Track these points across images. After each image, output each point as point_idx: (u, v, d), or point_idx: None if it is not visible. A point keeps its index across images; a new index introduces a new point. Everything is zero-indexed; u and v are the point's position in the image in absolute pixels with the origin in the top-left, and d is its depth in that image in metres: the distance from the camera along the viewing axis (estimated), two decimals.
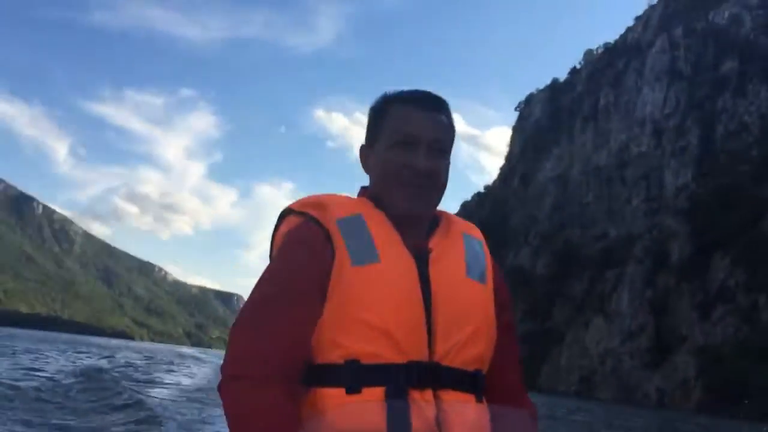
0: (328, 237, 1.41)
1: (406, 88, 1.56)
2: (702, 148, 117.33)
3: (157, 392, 17.60)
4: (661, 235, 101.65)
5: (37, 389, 15.61)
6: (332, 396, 1.33)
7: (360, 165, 1.63)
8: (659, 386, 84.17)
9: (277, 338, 1.31)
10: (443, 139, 1.52)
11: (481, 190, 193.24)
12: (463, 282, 1.47)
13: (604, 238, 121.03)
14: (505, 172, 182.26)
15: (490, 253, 1.61)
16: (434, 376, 1.36)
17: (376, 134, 1.56)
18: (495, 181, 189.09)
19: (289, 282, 1.37)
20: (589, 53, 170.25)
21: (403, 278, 1.40)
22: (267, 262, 1.48)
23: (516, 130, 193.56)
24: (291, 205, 1.53)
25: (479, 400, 1.43)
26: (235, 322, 1.38)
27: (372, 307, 1.35)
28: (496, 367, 1.50)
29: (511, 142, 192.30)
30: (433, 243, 1.50)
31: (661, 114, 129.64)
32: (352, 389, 1.32)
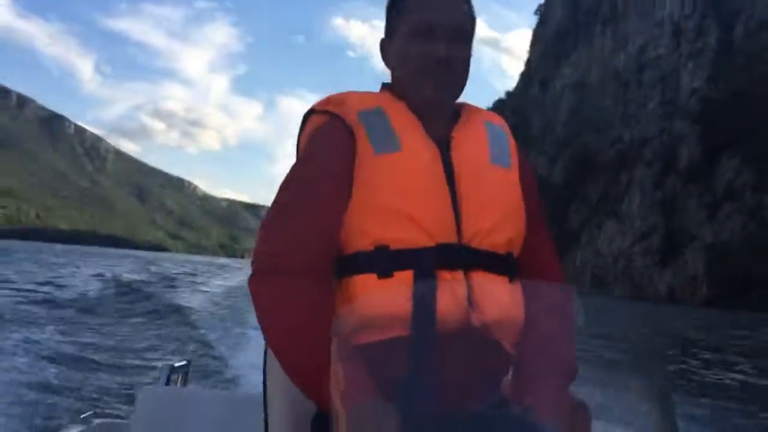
0: (350, 131, 1.41)
1: None
2: (720, 50, 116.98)
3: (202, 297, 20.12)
4: (671, 138, 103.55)
5: (96, 298, 17.98)
6: (364, 282, 1.33)
7: (382, 62, 1.58)
8: (669, 283, 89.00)
9: (307, 231, 1.32)
10: (463, 27, 1.49)
11: (503, 96, 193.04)
12: (487, 167, 1.45)
13: (619, 141, 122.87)
14: (525, 79, 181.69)
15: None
16: (464, 257, 1.36)
17: (395, 25, 1.53)
18: (515, 88, 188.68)
19: (314, 176, 1.38)
20: None
21: (426, 165, 1.39)
22: None
23: (536, 33, 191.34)
24: (314, 105, 1.53)
25: (512, 281, 1.41)
26: (264, 219, 1.37)
27: (397, 194, 1.35)
28: (528, 249, 1.49)
29: (531, 46, 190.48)
30: (455, 131, 1.48)
31: (681, 14, 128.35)
32: (384, 273, 1.32)
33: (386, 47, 1.57)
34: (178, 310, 15.84)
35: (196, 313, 15.04)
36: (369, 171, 1.38)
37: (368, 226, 1.35)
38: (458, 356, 1.25)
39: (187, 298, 20.35)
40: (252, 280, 1.32)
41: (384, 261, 1.33)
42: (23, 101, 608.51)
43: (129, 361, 9.18)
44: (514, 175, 1.50)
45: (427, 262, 1.33)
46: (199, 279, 35.57)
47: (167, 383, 2.47)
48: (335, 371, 1.13)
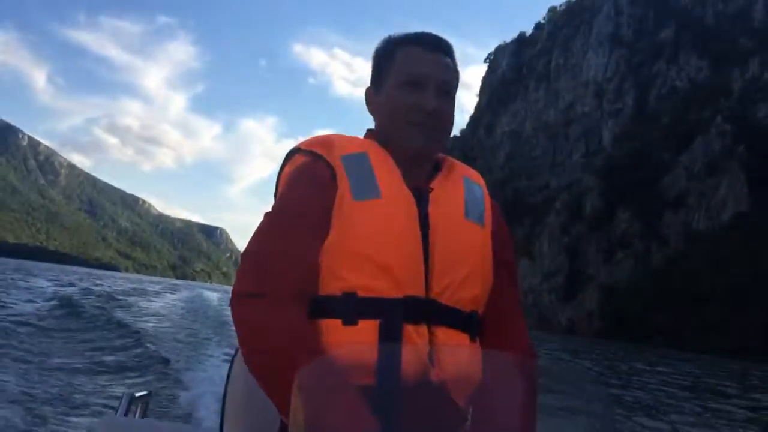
0: (333, 173, 1.43)
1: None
2: (636, 111, 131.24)
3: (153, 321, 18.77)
4: (579, 189, 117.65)
5: (29, 320, 15.73)
6: (330, 327, 1.33)
7: (364, 106, 1.62)
8: (570, 317, 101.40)
9: (292, 260, 1.33)
10: (450, 81, 1.53)
11: (457, 134, 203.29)
12: (461, 223, 1.47)
13: (546, 188, 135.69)
14: (475, 121, 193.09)
15: None
16: (429, 311, 1.37)
17: (382, 77, 1.56)
18: (465, 129, 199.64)
19: (298, 211, 1.39)
20: (552, 10, 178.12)
21: (403, 214, 1.41)
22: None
23: (484, 81, 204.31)
24: (299, 144, 1.55)
25: (473, 340, 1.44)
26: (248, 245, 1.39)
27: (371, 242, 1.36)
28: (496, 309, 1.51)
29: (480, 92, 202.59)
30: (434, 184, 1.51)
31: (603, 77, 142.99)
32: (348, 321, 1.33)
33: (372, 97, 1.60)
34: (134, 332, 15.19)
35: (153, 337, 14.38)
36: (346, 216, 1.38)
37: (339, 270, 1.36)
38: (416, 411, 1.26)
39: (142, 320, 19.99)
40: (236, 301, 1.32)
41: (350, 308, 1.34)
42: None
43: (85, 389, 8.63)
44: (486, 233, 1.51)
45: (393, 314, 1.34)
46: (153, 299, 34.93)
47: (126, 414, 2.42)
48: (295, 408, 1.11)
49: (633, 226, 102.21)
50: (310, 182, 1.43)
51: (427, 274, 1.40)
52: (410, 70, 1.51)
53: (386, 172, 1.47)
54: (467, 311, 1.44)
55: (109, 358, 11.31)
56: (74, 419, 6.87)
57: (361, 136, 1.61)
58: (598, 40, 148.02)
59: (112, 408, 2.57)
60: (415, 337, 1.35)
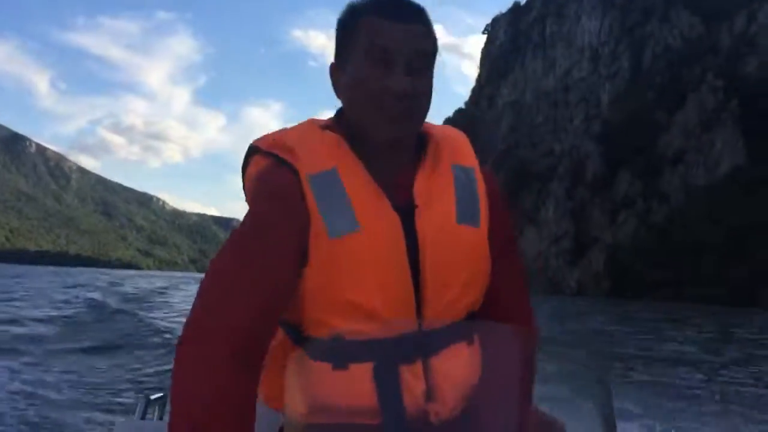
0: (301, 192, 1.26)
1: None
2: (632, 73, 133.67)
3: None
4: (580, 154, 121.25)
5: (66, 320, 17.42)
6: (318, 370, 1.23)
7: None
8: (578, 279, 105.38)
9: (246, 310, 1.18)
10: (424, 51, 1.30)
11: (462, 106, 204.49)
12: (453, 231, 1.31)
13: (551, 154, 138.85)
14: (477, 93, 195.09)
15: None
16: (424, 345, 1.27)
17: (345, 52, 1.33)
18: (468, 101, 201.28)
19: (262, 245, 1.22)
20: None
21: (387, 246, 1.26)
22: None
23: (484, 52, 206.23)
24: (257, 141, 1.37)
25: (470, 342, 1.30)
26: (202, 285, 1.23)
27: (355, 287, 1.24)
28: (495, 287, 1.38)
29: (480, 65, 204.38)
30: (420, 183, 1.32)
31: (598, 41, 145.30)
32: (338, 365, 1.22)
33: (337, 74, 1.36)
34: (155, 332, 15.19)
35: (172, 337, 14.34)
36: (324, 256, 1.24)
37: (325, 317, 1.26)
38: None
39: (163, 319, 20.38)
40: (176, 346, 1.19)
41: (339, 353, 1.24)
42: None
43: (104, 392, 8.66)
44: (482, 232, 1.36)
45: (387, 356, 1.24)
46: (173, 298, 36.28)
47: (143, 417, 2.41)
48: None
49: (634, 186, 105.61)
50: (277, 204, 1.26)
51: (419, 302, 1.28)
52: (374, 44, 1.28)
53: (363, 193, 1.28)
54: (464, 317, 1.33)
55: (126, 360, 11.87)
56: (92, 423, 6.88)
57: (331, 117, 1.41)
58: (591, 4, 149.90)
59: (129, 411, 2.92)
60: (410, 378, 1.24)
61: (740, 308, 61.57)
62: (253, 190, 1.33)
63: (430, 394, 1.24)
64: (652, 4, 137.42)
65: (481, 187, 1.39)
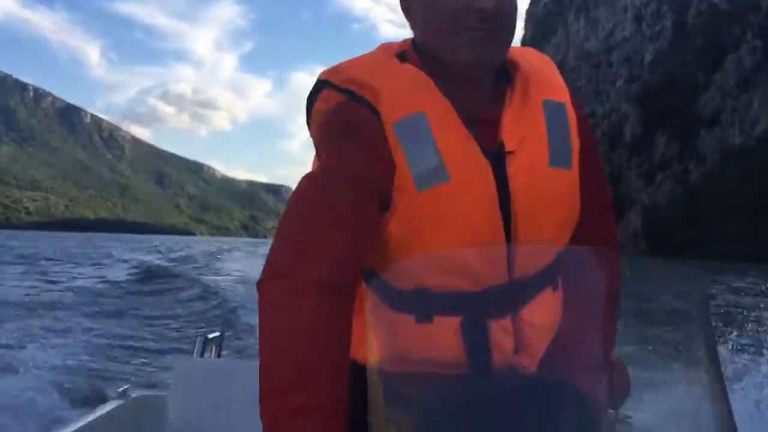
0: (383, 137, 1.14)
1: None
2: (676, 32, 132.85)
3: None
4: (618, 116, 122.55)
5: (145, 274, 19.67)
6: (401, 321, 1.16)
7: (402, 22, 1.26)
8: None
9: (331, 246, 1.07)
10: None
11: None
12: (546, 176, 1.20)
13: (592, 116, 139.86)
14: None
15: None
16: (512, 297, 1.18)
17: None
18: None
19: (345, 183, 1.12)
20: None
21: (478, 197, 1.16)
22: (309, 149, 1.25)
23: (528, 13, 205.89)
24: (327, 74, 1.24)
25: (556, 286, 1.23)
26: (284, 217, 1.13)
27: (443, 239, 1.15)
28: (588, 221, 1.27)
29: (524, 26, 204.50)
30: (508, 123, 1.19)
31: (641, 1, 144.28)
32: (422, 317, 1.15)
33: (408, 1, 1.23)
34: (210, 286, 16.27)
35: (228, 288, 15.32)
36: (409, 207, 1.15)
37: (410, 268, 1.18)
38: (506, 403, 1.12)
39: (218, 276, 22.08)
40: (260, 283, 1.07)
41: (424, 305, 1.16)
42: (40, 95, 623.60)
43: (165, 335, 9.16)
44: (574, 174, 1.24)
45: (474, 309, 1.16)
46: (227, 258, 39.78)
47: (201, 355, 2.48)
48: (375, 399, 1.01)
49: (671, 147, 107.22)
50: (360, 149, 1.14)
51: (510, 254, 1.17)
52: None
53: (451, 139, 1.16)
54: (550, 265, 1.23)
55: (184, 310, 12.76)
56: (154, 362, 7.16)
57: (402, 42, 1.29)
58: None
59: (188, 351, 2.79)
60: (498, 333, 1.16)
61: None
62: (327, 127, 1.21)
63: (518, 347, 1.18)
64: None
65: (573, 125, 1.25)
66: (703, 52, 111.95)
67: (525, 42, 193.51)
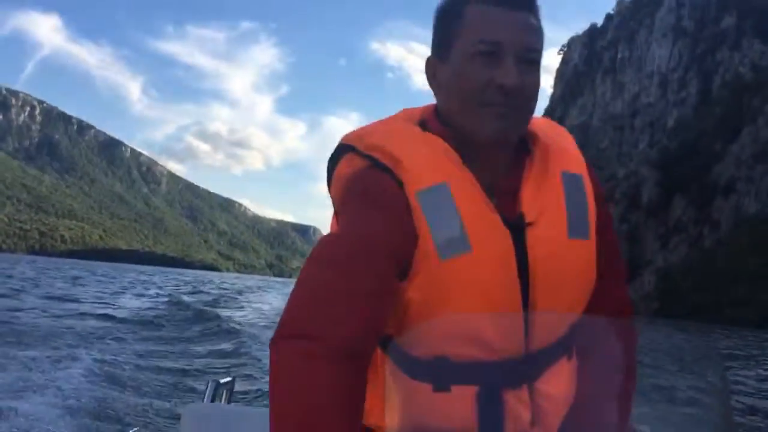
0: (407, 205, 1.15)
1: None
2: (700, 100, 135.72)
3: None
4: (637, 179, 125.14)
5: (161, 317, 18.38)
6: (418, 389, 1.17)
7: (427, 84, 1.29)
8: (631, 298, 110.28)
9: (348, 312, 1.06)
10: (535, 45, 1.19)
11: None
12: (565, 247, 1.20)
13: (613, 178, 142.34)
14: (549, 113, 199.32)
15: None
16: (530, 369, 1.19)
17: (447, 43, 1.22)
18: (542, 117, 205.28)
19: (365, 252, 1.11)
20: (620, 3, 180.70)
21: (499, 267, 1.16)
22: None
23: (558, 72, 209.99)
24: (350, 139, 1.26)
25: (570, 356, 1.25)
26: (302, 278, 1.11)
27: (464, 308, 1.15)
28: (602, 289, 1.27)
29: (554, 84, 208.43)
30: (527, 195, 1.21)
31: (668, 67, 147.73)
32: (441, 387, 1.16)
33: (435, 68, 1.26)
34: (229, 327, 15.92)
35: (245, 331, 15.05)
36: (431, 277, 1.15)
37: (428, 338, 1.18)
38: None
39: (238, 316, 21.47)
40: (275, 342, 1.05)
41: (442, 373, 1.17)
42: (83, 127, 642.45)
43: (176, 378, 8.99)
44: (591, 245, 1.24)
45: (491, 380, 1.17)
46: (249, 297, 38.90)
47: (212, 400, 2.43)
48: None
49: (687, 212, 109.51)
50: (380, 208, 1.15)
51: (527, 324, 1.18)
52: (484, 35, 1.17)
53: (473, 209, 1.16)
54: (567, 332, 1.24)
55: (198, 349, 12.47)
56: (162, 408, 7.08)
57: (424, 107, 1.31)
58: (662, 31, 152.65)
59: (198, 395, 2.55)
60: (515, 405, 1.17)
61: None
62: (350, 193, 1.21)
63: (534, 419, 1.19)
64: (723, 31, 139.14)
65: (590, 196, 1.27)
66: (723, 120, 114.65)
67: (554, 101, 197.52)
